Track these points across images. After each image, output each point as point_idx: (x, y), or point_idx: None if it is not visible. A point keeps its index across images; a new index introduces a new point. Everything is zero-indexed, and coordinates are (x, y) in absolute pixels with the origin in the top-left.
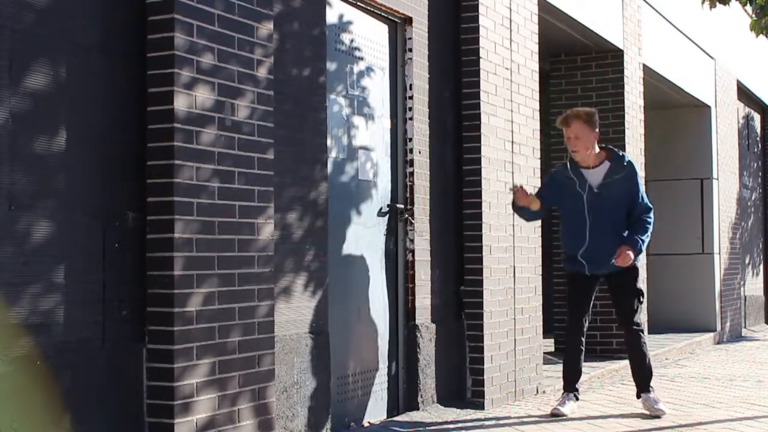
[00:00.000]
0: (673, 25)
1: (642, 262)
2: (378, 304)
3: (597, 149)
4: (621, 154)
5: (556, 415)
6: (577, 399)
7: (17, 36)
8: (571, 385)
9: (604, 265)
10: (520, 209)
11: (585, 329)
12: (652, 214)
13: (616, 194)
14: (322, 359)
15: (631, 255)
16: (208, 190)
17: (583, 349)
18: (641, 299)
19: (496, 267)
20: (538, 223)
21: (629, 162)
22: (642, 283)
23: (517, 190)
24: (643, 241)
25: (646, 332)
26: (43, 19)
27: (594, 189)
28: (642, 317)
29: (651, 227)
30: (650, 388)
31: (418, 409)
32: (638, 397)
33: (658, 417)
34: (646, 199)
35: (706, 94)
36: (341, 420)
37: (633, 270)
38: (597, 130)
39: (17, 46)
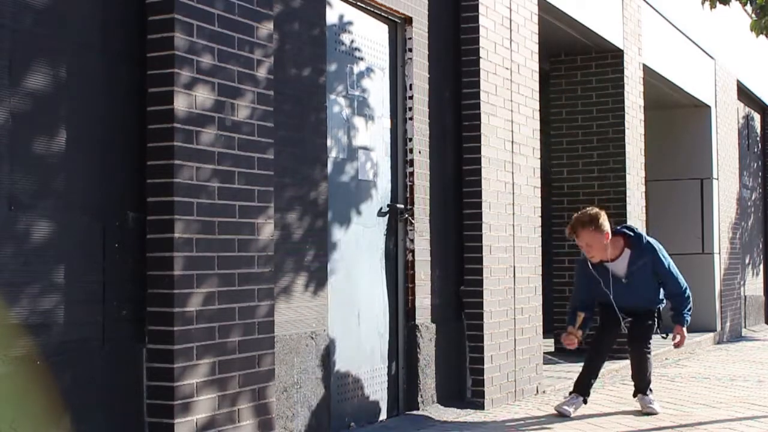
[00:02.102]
0: (673, 25)
1: None
2: (378, 304)
3: (610, 237)
4: (637, 234)
5: (560, 414)
6: (586, 402)
7: (17, 36)
8: (584, 390)
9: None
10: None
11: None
12: (689, 292)
13: (644, 276)
14: (322, 359)
15: (685, 333)
16: (208, 190)
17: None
18: (654, 328)
19: (496, 267)
20: (538, 222)
21: (647, 242)
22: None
23: (568, 339)
24: (689, 314)
25: (651, 354)
26: (43, 19)
27: (622, 279)
28: (651, 343)
29: (691, 301)
30: (648, 391)
31: (418, 409)
32: (635, 396)
33: (650, 414)
34: (678, 276)
35: (706, 94)
36: (341, 420)
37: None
38: (606, 230)
39: (17, 46)
